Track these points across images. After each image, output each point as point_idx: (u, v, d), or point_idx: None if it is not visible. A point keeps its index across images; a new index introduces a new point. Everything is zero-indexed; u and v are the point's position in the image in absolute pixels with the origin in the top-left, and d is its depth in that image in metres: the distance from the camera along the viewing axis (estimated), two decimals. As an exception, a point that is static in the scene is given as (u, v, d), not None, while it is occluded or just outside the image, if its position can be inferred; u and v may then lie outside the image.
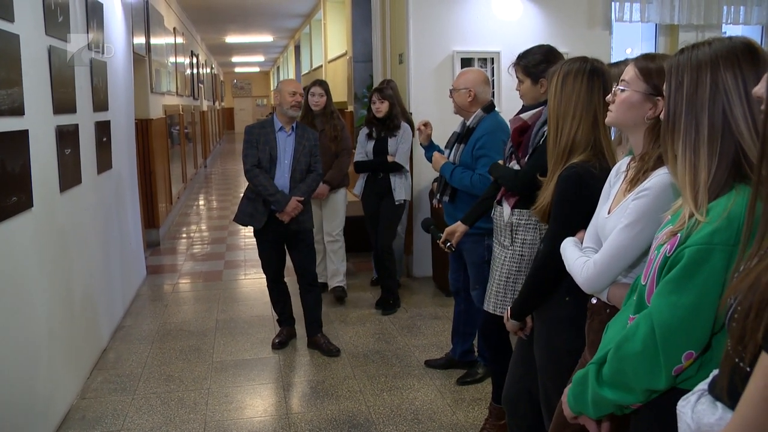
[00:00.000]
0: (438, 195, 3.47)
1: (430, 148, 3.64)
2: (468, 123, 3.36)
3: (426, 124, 3.66)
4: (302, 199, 3.88)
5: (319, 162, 4.04)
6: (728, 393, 0.99)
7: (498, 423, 2.99)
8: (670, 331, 1.23)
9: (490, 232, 2.91)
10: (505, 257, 2.64)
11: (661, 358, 1.25)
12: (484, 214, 2.97)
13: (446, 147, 3.52)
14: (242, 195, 4.06)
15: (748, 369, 0.95)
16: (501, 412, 2.89)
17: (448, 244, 3.06)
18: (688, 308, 1.21)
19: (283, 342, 4.11)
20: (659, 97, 1.60)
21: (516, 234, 2.60)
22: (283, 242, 4.04)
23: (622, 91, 1.67)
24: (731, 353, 0.99)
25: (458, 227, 3.04)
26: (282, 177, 3.90)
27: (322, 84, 4.82)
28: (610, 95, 1.72)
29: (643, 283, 1.36)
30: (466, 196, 3.29)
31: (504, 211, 2.69)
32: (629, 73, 1.67)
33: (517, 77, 2.72)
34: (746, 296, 0.95)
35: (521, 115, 2.69)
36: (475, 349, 3.67)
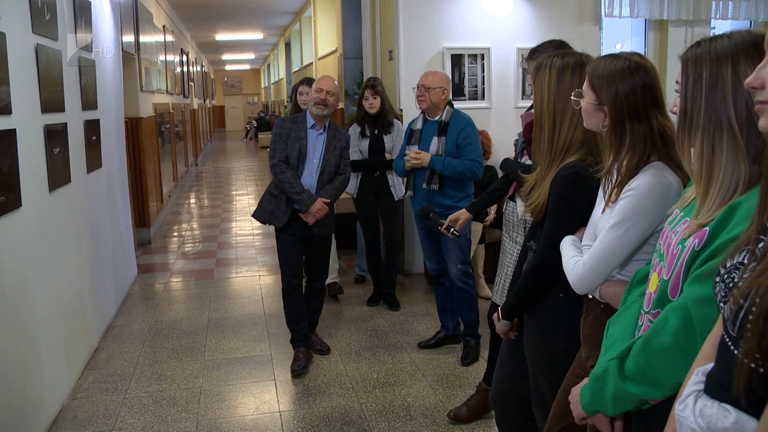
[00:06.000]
0: (425, 184, 3.74)
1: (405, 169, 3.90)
2: (442, 118, 3.75)
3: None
4: (328, 201, 3.69)
5: (348, 165, 3.87)
6: (746, 396, 0.96)
7: (480, 401, 3.13)
8: (713, 324, 1.20)
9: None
10: (518, 253, 2.65)
11: (700, 351, 1.22)
12: (491, 205, 3.18)
13: (411, 144, 3.85)
14: (264, 190, 3.88)
15: (761, 371, 0.92)
16: (486, 393, 3.02)
17: (452, 230, 3.22)
18: None
19: (303, 367, 3.71)
20: (605, 106, 1.64)
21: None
22: (303, 245, 3.82)
23: (581, 99, 1.73)
24: (744, 359, 0.95)
25: (462, 215, 3.22)
26: (309, 176, 3.71)
27: (309, 82, 4.75)
28: (575, 101, 1.76)
29: (665, 279, 1.32)
30: (453, 182, 3.70)
31: (517, 208, 2.71)
32: (585, 81, 1.71)
33: (530, 72, 2.74)
34: (764, 297, 0.92)
35: (533, 111, 2.71)
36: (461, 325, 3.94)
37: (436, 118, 3.76)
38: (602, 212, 1.72)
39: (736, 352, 0.99)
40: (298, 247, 3.80)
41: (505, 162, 2.94)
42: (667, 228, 1.40)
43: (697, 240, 1.24)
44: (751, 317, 0.94)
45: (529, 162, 2.69)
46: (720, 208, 1.23)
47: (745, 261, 1.02)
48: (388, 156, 4.61)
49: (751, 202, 1.18)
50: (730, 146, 1.24)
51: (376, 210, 4.76)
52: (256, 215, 3.86)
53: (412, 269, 5.61)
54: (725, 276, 1.06)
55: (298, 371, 3.70)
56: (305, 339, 3.86)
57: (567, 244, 1.83)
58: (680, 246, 1.29)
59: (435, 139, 3.72)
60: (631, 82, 1.62)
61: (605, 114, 1.65)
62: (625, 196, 1.60)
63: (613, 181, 1.66)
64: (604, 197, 1.72)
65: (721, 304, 1.05)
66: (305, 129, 3.73)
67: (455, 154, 3.67)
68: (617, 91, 1.62)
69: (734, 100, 1.24)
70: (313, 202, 3.64)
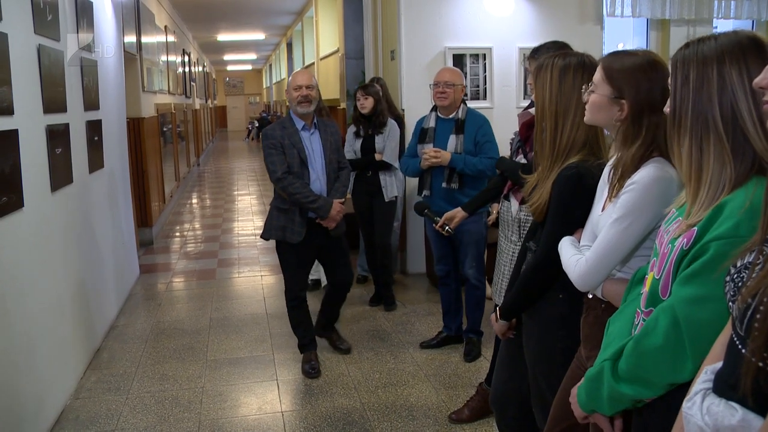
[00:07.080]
0: (445, 183, 3.71)
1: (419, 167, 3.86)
2: (458, 116, 3.73)
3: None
4: (343, 201, 3.59)
5: (344, 156, 3.78)
6: (753, 395, 0.97)
7: (481, 402, 3.13)
8: (698, 324, 1.22)
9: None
10: (513, 252, 2.64)
11: (687, 351, 1.24)
12: (486, 204, 3.30)
13: (425, 142, 3.80)
14: (270, 207, 3.68)
15: None
16: (487, 394, 3.00)
17: (446, 228, 3.19)
18: (716, 300, 1.19)
19: (316, 368, 3.68)
20: (624, 100, 1.62)
21: (524, 230, 2.60)
22: (315, 253, 3.70)
23: (592, 92, 1.70)
24: (752, 358, 0.95)
25: (458, 213, 3.20)
26: (317, 181, 3.54)
27: None
28: (585, 94, 1.73)
29: (657, 277, 1.34)
30: (471, 180, 3.69)
31: (512, 207, 2.70)
32: (598, 74, 1.69)
33: (530, 71, 2.74)
34: None
35: (530, 110, 2.70)
36: (463, 324, 4.02)
37: (451, 116, 3.74)
38: (603, 209, 1.71)
39: (743, 350, 0.99)
40: (307, 259, 3.69)
41: (501, 160, 2.95)
42: (662, 227, 1.41)
43: (685, 240, 1.26)
44: (758, 316, 0.95)
45: (524, 161, 2.69)
46: (709, 208, 1.24)
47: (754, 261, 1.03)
48: (377, 156, 4.59)
49: (736, 201, 1.20)
50: (717, 148, 1.25)
51: (371, 209, 4.76)
52: (267, 234, 3.65)
53: (412, 269, 5.60)
54: (735, 275, 1.06)
55: (312, 373, 3.65)
56: (313, 343, 3.81)
57: (566, 244, 1.82)
58: (670, 245, 1.31)
59: (453, 137, 3.70)
60: (651, 77, 1.62)
61: (620, 107, 1.63)
62: (626, 191, 1.60)
63: (617, 175, 1.66)
64: (609, 191, 1.71)
65: (731, 303, 1.05)
66: (297, 133, 3.53)
67: (473, 152, 3.67)
68: (639, 86, 1.62)
69: (719, 102, 1.25)
70: (331, 207, 3.51)
